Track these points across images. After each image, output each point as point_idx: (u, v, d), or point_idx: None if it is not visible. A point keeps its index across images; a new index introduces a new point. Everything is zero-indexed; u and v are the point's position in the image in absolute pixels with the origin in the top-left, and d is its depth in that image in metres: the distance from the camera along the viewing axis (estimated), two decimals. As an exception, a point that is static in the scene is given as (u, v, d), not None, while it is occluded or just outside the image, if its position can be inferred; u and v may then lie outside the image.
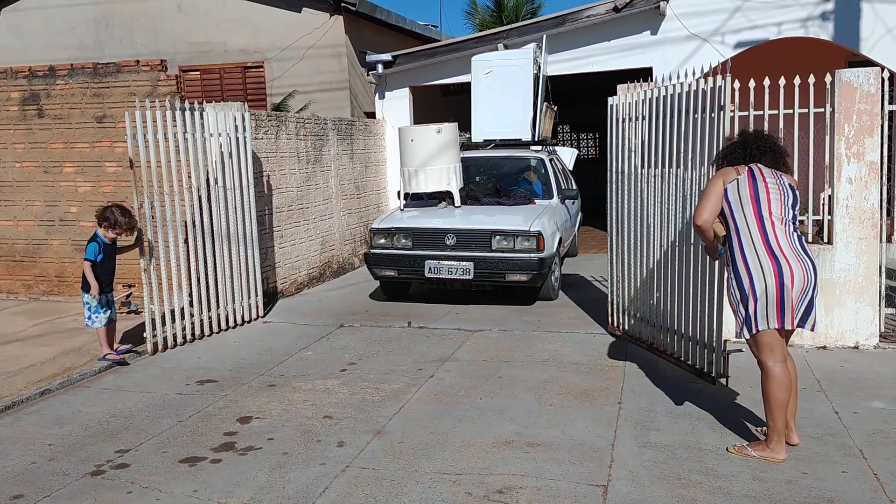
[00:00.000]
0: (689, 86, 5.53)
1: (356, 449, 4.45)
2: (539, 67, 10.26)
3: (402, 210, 8.83)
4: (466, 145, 10.23)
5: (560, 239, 8.50)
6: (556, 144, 11.22)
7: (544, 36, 10.50)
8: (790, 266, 4.07)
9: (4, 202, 8.71)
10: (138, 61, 8.21)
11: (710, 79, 5.30)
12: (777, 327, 4.11)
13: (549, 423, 4.80)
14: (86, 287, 6.11)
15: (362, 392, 5.46)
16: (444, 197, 8.76)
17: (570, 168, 11.14)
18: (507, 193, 9.03)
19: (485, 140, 10.24)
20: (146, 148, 6.52)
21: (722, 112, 5.20)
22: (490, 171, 9.86)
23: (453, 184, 8.63)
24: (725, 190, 4.24)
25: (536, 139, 10.01)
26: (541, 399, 5.25)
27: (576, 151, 11.92)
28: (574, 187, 10.22)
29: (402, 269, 8.06)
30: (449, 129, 8.70)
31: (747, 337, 4.20)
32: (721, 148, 4.64)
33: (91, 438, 4.70)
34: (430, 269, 7.86)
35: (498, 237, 7.81)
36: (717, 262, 5.08)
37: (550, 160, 9.78)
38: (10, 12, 14.81)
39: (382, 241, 8.20)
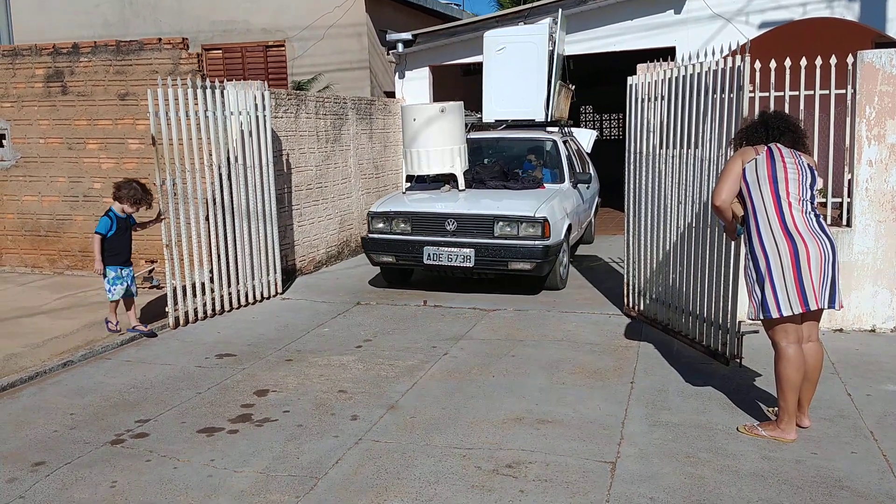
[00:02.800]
0: (709, 66, 5.50)
1: (369, 423, 4.53)
2: (555, 44, 9.79)
3: (404, 193, 8.61)
4: (477, 126, 10.01)
5: (569, 226, 8.11)
6: (573, 126, 10.78)
7: (560, 11, 10.06)
8: (805, 244, 4.04)
9: (30, 178, 8.85)
10: (160, 39, 8.29)
11: (730, 59, 5.27)
12: (802, 311, 4.07)
13: (561, 401, 4.85)
14: (107, 261, 6.21)
15: (377, 368, 5.54)
16: (448, 180, 8.51)
17: (588, 150, 10.83)
18: (515, 177, 8.74)
19: (496, 120, 9.87)
20: (168, 126, 6.60)
21: (741, 92, 5.17)
22: (499, 153, 9.57)
23: (457, 166, 8.33)
24: (744, 170, 4.22)
25: (549, 120, 9.63)
26: (553, 377, 5.29)
27: (595, 133, 11.56)
28: (589, 171, 9.87)
29: (401, 255, 7.72)
30: (453, 109, 8.38)
31: (761, 317, 4.17)
32: (740, 128, 4.59)
33: (112, 409, 4.82)
34: (429, 255, 7.51)
35: (501, 223, 7.44)
36: (733, 242, 5.08)
37: (565, 142, 9.42)
38: (36, -10, 14.95)
39: (381, 225, 7.88)
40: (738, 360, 5.33)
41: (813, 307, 4.08)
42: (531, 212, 7.42)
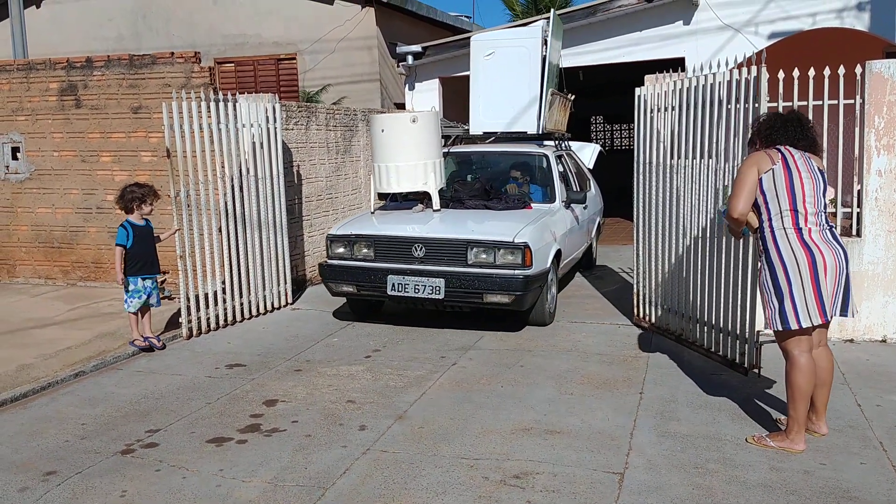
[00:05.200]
0: (723, 76, 5.51)
1: (377, 433, 4.54)
2: (547, 46, 8.75)
3: (372, 213, 7.67)
4: (464, 139, 9.25)
5: (558, 252, 7.14)
6: (570, 139, 9.84)
7: (552, 12, 9.14)
8: (822, 254, 4.05)
9: (43, 190, 8.95)
10: (173, 53, 8.38)
11: (745, 69, 5.28)
12: (821, 322, 4.08)
13: (569, 411, 4.85)
14: (126, 272, 6.25)
15: (385, 378, 5.55)
16: (424, 199, 7.62)
17: (590, 166, 10.08)
18: (499, 196, 7.75)
19: (484, 133, 8.91)
20: (182, 138, 6.67)
21: (757, 103, 5.18)
22: (484, 168, 8.69)
23: (431, 183, 7.36)
24: (760, 179, 4.14)
25: (541, 132, 8.62)
26: (561, 388, 5.29)
27: (597, 147, 10.78)
28: (588, 189, 9.03)
29: (362, 285, 6.78)
30: (427, 119, 7.47)
31: (779, 329, 4.14)
32: (758, 124, 4.42)
33: (122, 419, 4.86)
34: (393, 285, 6.60)
35: (475, 249, 6.53)
36: (751, 252, 5.09)
37: (559, 157, 8.52)
38: (51, 4, 15.16)
39: (341, 250, 6.97)
40: (757, 370, 5.32)
41: (829, 318, 4.11)
42: (510, 236, 6.51)
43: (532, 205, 7.55)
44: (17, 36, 10.24)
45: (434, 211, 7.36)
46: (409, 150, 7.33)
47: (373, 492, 3.81)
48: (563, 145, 9.19)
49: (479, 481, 3.89)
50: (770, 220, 4.15)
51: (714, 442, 4.33)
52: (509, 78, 8.67)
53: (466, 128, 9.18)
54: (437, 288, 6.50)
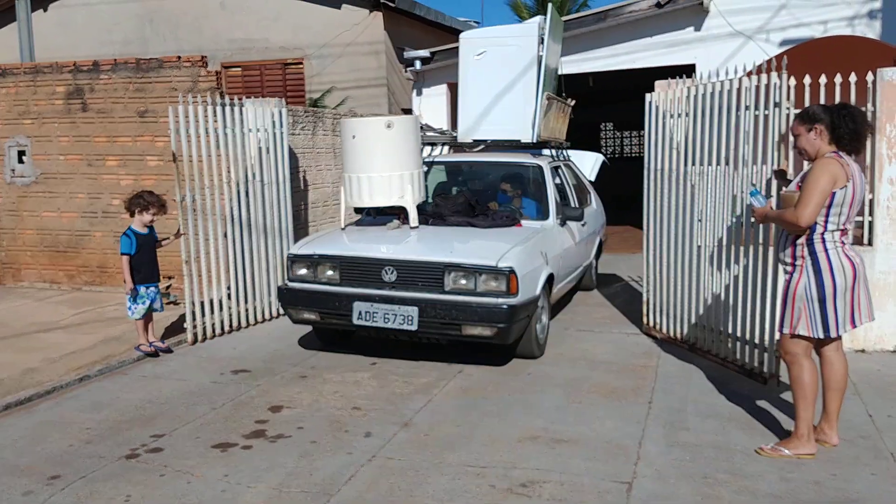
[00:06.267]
0: (741, 82, 5.47)
1: (383, 440, 4.50)
2: (543, 43, 7.81)
3: (343, 229, 6.87)
4: (451, 146, 8.47)
5: (551, 276, 6.33)
6: (570, 147, 9.07)
7: (550, 8, 8.08)
8: (852, 263, 4.10)
9: (49, 194, 8.95)
10: (179, 57, 8.38)
11: (764, 75, 5.25)
12: (850, 329, 4.18)
13: (577, 420, 4.80)
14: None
15: (391, 385, 5.51)
16: (402, 214, 6.74)
17: (592, 178, 9.30)
18: (485, 212, 6.90)
19: (474, 140, 8.10)
20: (188, 142, 6.65)
21: (777, 109, 5.15)
22: (471, 180, 7.94)
23: (408, 197, 6.52)
24: (833, 193, 4.02)
25: (535, 141, 7.75)
26: (569, 396, 5.25)
27: (600, 157, 9.86)
28: (588, 204, 8.34)
29: (326, 312, 6.00)
30: (404, 124, 6.64)
31: (820, 336, 4.13)
32: (823, 114, 4.14)
33: (127, 423, 4.83)
34: (359, 313, 5.80)
35: (454, 273, 5.70)
36: (770, 261, 5.11)
37: (556, 169, 7.74)
38: (59, 8, 15.20)
39: (303, 271, 6.17)
40: (777, 379, 5.27)
41: (857, 325, 4.18)
42: (493, 259, 5.67)
43: (522, 222, 6.75)
44: (25, 40, 10.27)
45: (411, 228, 6.52)
46: (382, 160, 6.48)
47: (378, 499, 3.77)
48: (560, 155, 8.50)
49: (485, 489, 3.85)
50: (825, 229, 4.10)
51: (723, 451, 4.28)
52: (502, 80, 7.83)
53: (455, 135, 8.44)
54: (410, 318, 5.69)
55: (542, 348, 6.27)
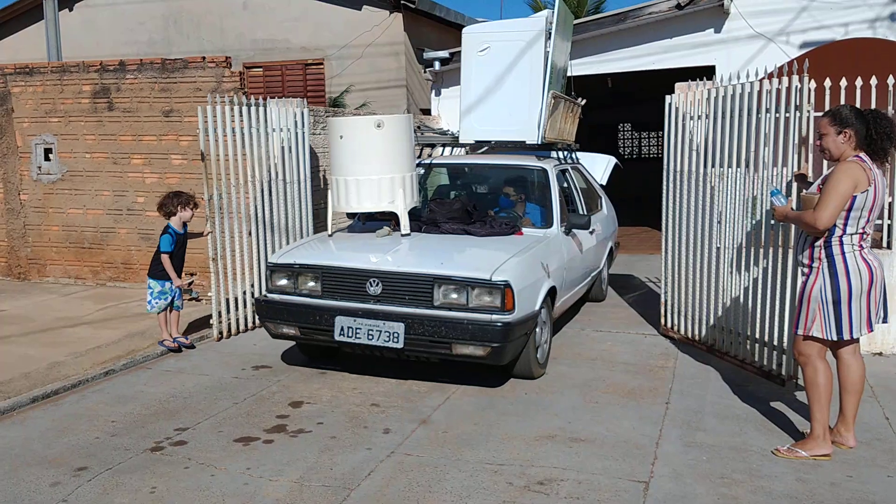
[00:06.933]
0: (761, 84, 5.49)
1: (401, 436, 4.57)
2: (550, 36, 7.21)
3: (330, 236, 6.43)
4: (453, 147, 8.12)
5: (552, 289, 5.86)
6: (578, 149, 8.52)
7: (558, 2, 7.43)
8: (869, 267, 4.12)
9: (75, 191, 9.10)
10: (204, 58, 8.49)
11: (785, 78, 5.27)
12: (867, 332, 4.20)
13: (594, 419, 4.84)
14: (152, 273, 6.35)
15: (409, 382, 5.58)
16: (394, 220, 6.29)
17: (603, 182, 8.81)
18: (483, 218, 6.44)
19: (476, 141, 7.65)
20: (216, 142, 6.75)
21: (798, 112, 5.17)
22: (471, 184, 7.56)
23: (399, 202, 6.06)
24: (854, 196, 4.04)
25: (540, 142, 7.18)
26: (587, 396, 5.28)
27: (612, 160, 9.27)
28: (593, 211, 7.75)
29: (306, 327, 5.57)
30: (395, 124, 6.16)
31: (833, 338, 4.17)
32: (851, 115, 4.15)
33: (151, 417, 4.93)
34: (342, 329, 5.36)
35: (444, 287, 5.24)
36: (790, 264, 5.15)
37: (563, 172, 7.29)
38: (84, 8, 15.43)
39: (283, 282, 5.72)
40: (795, 380, 5.29)
41: (873, 328, 4.22)
42: (487, 272, 5.20)
43: (524, 230, 6.32)
44: (52, 38, 10.44)
45: (402, 236, 6.06)
46: (372, 162, 6.05)
47: (398, 494, 3.83)
48: (569, 157, 8.02)
49: (502, 486, 3.91)
50: (843, 232, 4.13)
51: (740, 452, 4.31)
52: (506, 77, 7.32)
53: (454, 134, 7.99)
54: (396, 335, 5.25)
55: (543, 368, 5.80)
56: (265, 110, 7.32)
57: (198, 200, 6.62)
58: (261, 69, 14.56)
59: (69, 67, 8.97)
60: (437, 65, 12.43)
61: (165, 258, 6.27)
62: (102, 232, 9.04)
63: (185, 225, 6.45)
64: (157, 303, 6.35)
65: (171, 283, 6.34)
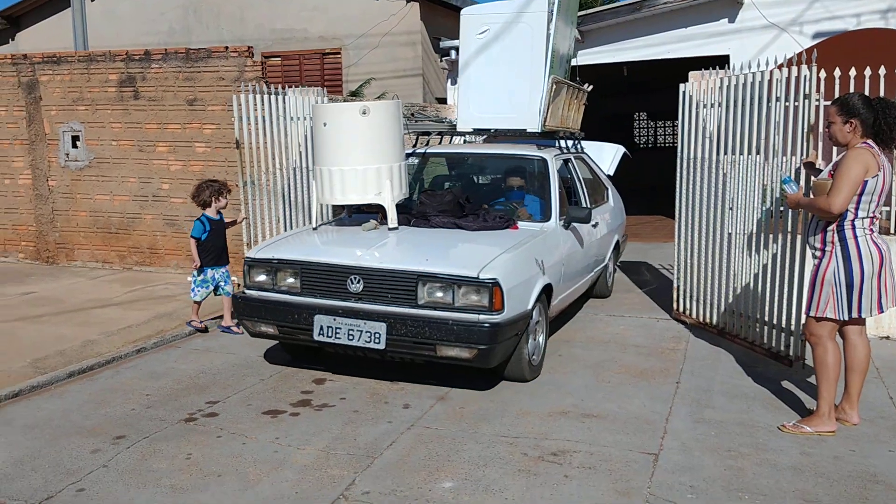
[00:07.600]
0: (772, 73, 5.62)
1: (420, 411, 4.78)
2: (552, 18, 6.76)
3: (315, 229, 6.10)
4: (450, 135, 7.77)
5: (547, 286, 5.52)
6: (582, 138, 8.05)
7: None
8: (879, 250, 4.26)
9: (102, 178, 9.35)
10: (227, 47, 8.69)
11: (795, 68, 5.41)
12: (877, 314, 4.35)
13: (606, 397, 5.03)
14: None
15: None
16: (382, 213, 5.96)
17: (611, 173, 8.53)
18: (476, 211, 6.07)
19: (475, 130, 7.23)
20: (249, 130, 6.97)
21: (807, 101, 5.31)
22: (466, 175, 7.30)
23: (386, 194, 5.74)
24: (864, 181, 4.19)
25: (541, 130, 6.85)
26: (599, 376, 5.47)
27: (620, 149, 8.97)
28: (598, 202, 7.41)
29: (284, 326, 5.29)
30: (383, 111, 5.83)
31: (845, 318, 4.33)
32: (864, 102, 4.28)
33: (183, 391, 5.17)
34: (321, 328, 5.10)
35: (429, 285, 4.93)
36: (798, 248, 5.31)
37: (565, 162, 6.90)
38: (106, -1, 15.66)
39: (261, 278, 5.44)
40: (802, 362, 5.46)
41: (884, 310, 4.36)
42: (474, 269, 4.88)
43: (520, 223, 5.96)
44: (79, 28, 10.68)
45: (389, 230, 5.72)
46: (357, 151, 5.72)
47: (418, 462, 4.04)
48: (573, 147, 7.60)
49: (518, 457, 4.10)
50: (855, 216, 4.27)
51: (747, 428, 4.49)
52: (506, 62, 6.90)
53: (452, 122, 7.48)
54: (377, 335, 4.97)
55: (537, 371, 5.47)
56: (287, 99, 7.53)
57: (230, 186, 6.82)
58: (279, 59, 14.77)
59: (95, 56, 9.20)
60: (453, 54, 12.55)
61: (192, 242, 6.49)
62: (129, 217, 9.29)
63: (219, 212, 6.65)
64: (199, 290, 6.56)
65: (213, 271, 6.54)
